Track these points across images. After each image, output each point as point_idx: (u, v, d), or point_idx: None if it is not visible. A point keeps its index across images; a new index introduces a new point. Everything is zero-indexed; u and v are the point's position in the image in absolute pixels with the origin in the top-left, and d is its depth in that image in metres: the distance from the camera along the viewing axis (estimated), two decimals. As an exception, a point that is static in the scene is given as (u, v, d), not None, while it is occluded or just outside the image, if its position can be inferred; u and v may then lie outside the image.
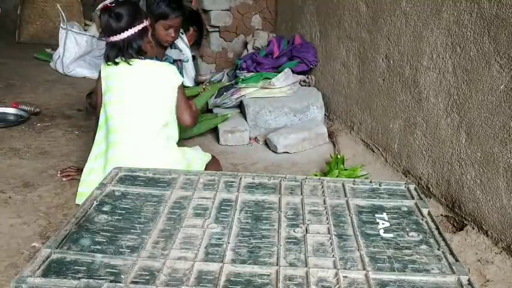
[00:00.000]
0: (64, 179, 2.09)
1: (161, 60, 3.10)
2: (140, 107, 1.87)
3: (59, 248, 1.00)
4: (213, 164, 2.10)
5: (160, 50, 3.08)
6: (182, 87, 1.96)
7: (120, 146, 1.85)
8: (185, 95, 1.99)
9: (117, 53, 1.89)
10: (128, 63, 1.88)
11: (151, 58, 1.99)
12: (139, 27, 1.89)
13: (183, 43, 3.30)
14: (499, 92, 1.60)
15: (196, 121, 2.11)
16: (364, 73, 2.43)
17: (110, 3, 1.89)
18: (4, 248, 1.63)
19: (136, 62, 1.90)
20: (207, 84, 2.95)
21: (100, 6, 1.88)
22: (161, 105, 1.90)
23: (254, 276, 0.94)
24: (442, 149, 1.91)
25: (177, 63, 3.16)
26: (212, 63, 3.60)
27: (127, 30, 1.87)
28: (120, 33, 1.86)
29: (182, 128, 2.41)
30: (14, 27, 4.86)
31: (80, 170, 2.01)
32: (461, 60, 1.77)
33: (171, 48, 3.13)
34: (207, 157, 2.10)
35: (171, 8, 2.91)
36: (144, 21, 1.93)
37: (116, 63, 1.89)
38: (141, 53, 1.92)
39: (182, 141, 2.48)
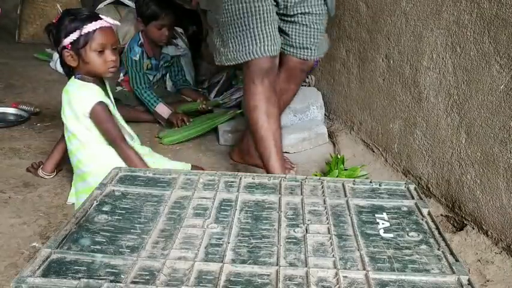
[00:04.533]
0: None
1: (159, 60, 3.12)
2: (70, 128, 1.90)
3: (59, 248, 1.00)
4: None
5: (157, 50, 3.09)
6: (103, 109, 1.86)
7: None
8: (105, 122, 1.86)
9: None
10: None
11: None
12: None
13: (182, 42, 3.31)
14: (499, 92, 1.60)
15: (118, 142, 1.89)
16: (364, 73, 2.43)
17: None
18: (4, 248, 1.63)
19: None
20: (205, 103, 2.94)
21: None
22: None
23: (254, 276, 0.94)
24: (442, 149, 1.91)
25: (175, 58, 3.17)
26: (212, 63, 3.59)
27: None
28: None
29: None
30: (14, 27, 4.85)
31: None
32: (461, 60, 1.77)
33: (167, 46, 3.14)
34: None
35: (160, 8, 2.92)
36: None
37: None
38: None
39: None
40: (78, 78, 1.89)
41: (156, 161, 2.01)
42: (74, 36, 1.80)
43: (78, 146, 1.90)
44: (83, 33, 1.79)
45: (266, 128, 1.86)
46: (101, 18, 1.83)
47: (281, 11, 1.90)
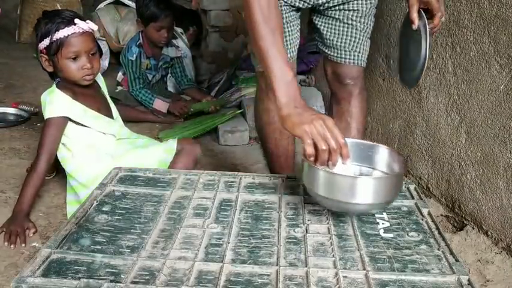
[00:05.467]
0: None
1: (158, 60, 3.13)
2: None
3: (59, 248, 1.00)
4: (181, 158, 1.91)
5: (156, 50, 3.11)
6: (48, 124, 1.77)
7: None
8: (45, 137, 1.77)
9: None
10: None
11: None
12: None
13: (182, 42, 3.31)
14: (499, 92, 1.60)
15: (40, 158, 1.79)
16: (364, 73, 2.42)
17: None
18: (4, 248, 1.63)
19: None
20: (215, 101, 2.96)
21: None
22: None
23: (254, 276, 0.94)
24: (442, 149, 1.91)
25: (176, 59, 3.18)
26: (212, 63, 3.60)
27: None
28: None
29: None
30: (14, 27, 4.85)
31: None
32: (461, 60, 1.77)
33: (167, 47, 3.16)
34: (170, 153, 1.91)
35: (159, 9, 2.96)
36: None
37: None
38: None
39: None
40: (57, 83, 1.82)
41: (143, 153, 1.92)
42: (46, 41, 1.73)
43: (62, 159, 1.87)
44: (54, 40, 1.70)
45: None
46: (75, 23, 1.71)
47: (311, 3, 1.63)
